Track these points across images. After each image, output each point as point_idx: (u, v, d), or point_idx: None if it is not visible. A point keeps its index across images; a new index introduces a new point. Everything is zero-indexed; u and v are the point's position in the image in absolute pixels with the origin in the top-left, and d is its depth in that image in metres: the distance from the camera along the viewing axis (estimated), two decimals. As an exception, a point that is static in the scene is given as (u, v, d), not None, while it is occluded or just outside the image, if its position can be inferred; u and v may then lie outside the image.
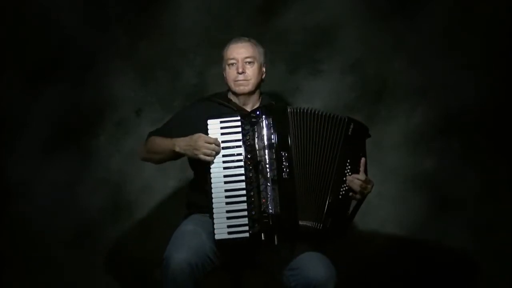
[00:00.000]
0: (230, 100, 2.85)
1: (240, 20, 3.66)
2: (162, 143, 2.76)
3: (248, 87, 2.81)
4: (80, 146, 3.71)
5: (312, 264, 2.56)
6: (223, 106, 2.83)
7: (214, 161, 2.59)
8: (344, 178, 2.60)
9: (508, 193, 3.51)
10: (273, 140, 2.58)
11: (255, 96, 2.86)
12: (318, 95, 3.61)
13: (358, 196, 2.62)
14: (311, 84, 3.64)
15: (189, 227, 2.63)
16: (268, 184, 2.55)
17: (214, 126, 2.62)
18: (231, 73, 2.82)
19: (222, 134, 2.62)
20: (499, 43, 3.53)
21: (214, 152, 2.58)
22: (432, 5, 3.56)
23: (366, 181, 2.62)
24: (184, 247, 2.51)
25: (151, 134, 2.88)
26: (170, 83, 3.70)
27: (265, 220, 2.52)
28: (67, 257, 3.66)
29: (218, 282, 2.80)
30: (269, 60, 3.60)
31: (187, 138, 2.66)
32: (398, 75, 3.60)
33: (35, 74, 3.71)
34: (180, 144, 2.67)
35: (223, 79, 2.91)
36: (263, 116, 2.61)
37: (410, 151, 3.60)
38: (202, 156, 2.60)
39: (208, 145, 2.59)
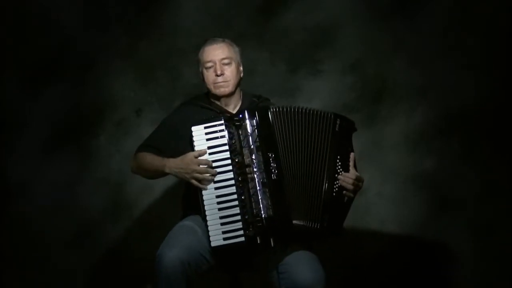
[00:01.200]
0: (212, 102, 2.81)
1: (240, 20, 3.65)
2: (153, 162, 2.72)
3: (228, 88, 2.76)
4: (80, 146, 3.71)
5: (300, 268, 2.54)
6: (206, 109, 2.79)
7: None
8: (336, 175, 2.58)
9: (508, 193, 3.51)
10: (258, 142, 2.56)
11: (236, 96, 2.82)
12: (318, 95, 3.61)
13: (351, 194, 2.61)
14: (311, 84, 3.64)
15: (185, 224, 2.62)
16: (258, 187, 2.54)
17: (199, 133, 2.59)
18: (209, 76, 2.77)
19: (207, 139, 2.58)
20: (499, 43, 3.53)
21: (207, 176, 2.55)
22: (432, 5, 3.56)
23: (358, 179, 2.61)
24: (176, 244, 2.49)
25: (140, 148, 2.82)
26: (170, 83, 3.70)
27: (259, 224, 2.51)
28: (67, 257, 3.66)
29: (218, 284, 2.80)
30: (269, 60, 3.63)
31: (178, 160, 2.62)
32: (398, 75, 3.60)
33: (35, 74, 3.71)
34: (171, 165, 2.63)
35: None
36: (247, 118, 2.58)
37: (410, 151, 3.59)
38: (194, 182, 2.57)
39: (200, 168, 2.55)
